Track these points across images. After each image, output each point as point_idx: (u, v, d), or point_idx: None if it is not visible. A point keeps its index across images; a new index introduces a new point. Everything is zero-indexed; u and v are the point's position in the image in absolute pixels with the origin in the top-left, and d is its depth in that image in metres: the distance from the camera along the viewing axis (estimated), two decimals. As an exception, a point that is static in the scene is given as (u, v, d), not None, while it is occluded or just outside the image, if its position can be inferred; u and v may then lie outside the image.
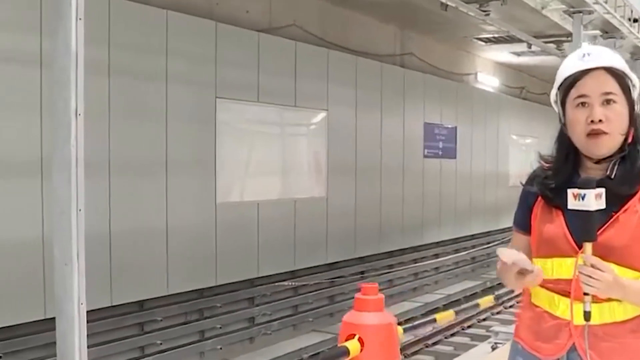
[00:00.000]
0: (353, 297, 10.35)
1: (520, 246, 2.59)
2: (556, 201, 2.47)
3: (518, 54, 18.49)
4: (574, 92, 2.43)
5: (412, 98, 15.25)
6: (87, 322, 8.23)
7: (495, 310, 10.76)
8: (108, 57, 8.63)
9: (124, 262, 8.92)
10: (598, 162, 2.45)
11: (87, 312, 8.06)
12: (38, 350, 7.98)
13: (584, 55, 2.45)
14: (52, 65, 2.97)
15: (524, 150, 22.01)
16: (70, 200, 2.95)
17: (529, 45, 15.18)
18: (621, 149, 2.44)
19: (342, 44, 13.35)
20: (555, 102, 2.53)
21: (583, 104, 2.41)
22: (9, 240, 7.34)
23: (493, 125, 19.61)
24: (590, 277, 2.26)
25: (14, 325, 7.71)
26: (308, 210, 12.17)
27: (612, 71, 2.41)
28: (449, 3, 11.00)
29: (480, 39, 16.91)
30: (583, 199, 2.29)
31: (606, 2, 9.67)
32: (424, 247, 16.01)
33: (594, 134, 2.39)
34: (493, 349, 7.42)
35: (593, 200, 2.27)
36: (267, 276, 11.45)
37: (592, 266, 2.27)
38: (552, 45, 15.22)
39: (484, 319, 11.70)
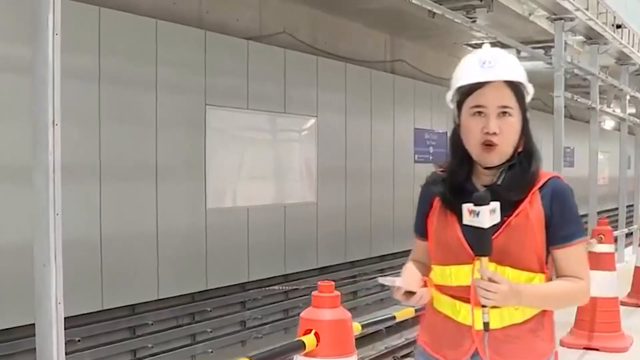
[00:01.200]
0: (345, 301, 10.54)
1: (420, 252, 2.66)
2: (452, 207, 2.48)
3: (508, 60, 18.63)
4: (471, 100, 2.43)
5: (402, 104, 15.42)
6: (80, 325, 8.45)
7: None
8: (99, 65, 8.81)
9: (115, 267, 9.08)
10: (488, 167, 2.46)
11: (79, 315, 8.28)
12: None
13: (483, 62, 2.42)
14: (31, 78, 3.14)
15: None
16: (48, 205, 3.10)
17: (518, 51, 15.34)
18: (512, 157, 2.46)
19: (332, 51, 13.54)
20: (451, 101, 2.53)
21: (479, 112, 2.42)
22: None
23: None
24: (487, 290, 2.30)
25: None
26: (298, 215, 12.34)
27: (510, 83, 2.43)
28: (435, 10, 11.14)
29: (470, 45, 17.07)
30: (478, 215, 2.31)
31: (587, 9, 9.84)
32: (414, 251, 16.13)
33: (486, 145, 2.40)
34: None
35: (487, 217, 2.30)
36: (258, 280, 11.61)
37: (489, 279, 2.31)
38: (540, 51, 15.38)
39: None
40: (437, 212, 2.54)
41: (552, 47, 14.89)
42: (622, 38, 12.04)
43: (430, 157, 16.59)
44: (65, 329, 7.87)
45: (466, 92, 2.44)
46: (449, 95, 2.52)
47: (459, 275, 2.47)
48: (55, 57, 3.12)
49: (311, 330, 2.79)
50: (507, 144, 2.42)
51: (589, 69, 10.98)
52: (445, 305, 2.54)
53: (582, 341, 6.94)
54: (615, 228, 10.99)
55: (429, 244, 2.60)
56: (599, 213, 11.71)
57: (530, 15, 11.99)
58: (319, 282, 2.90)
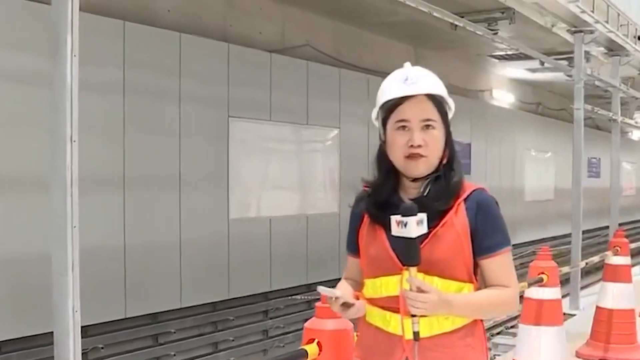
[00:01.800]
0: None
1: (353, 270, 2.73)
2: (379, 220, 2.54)
3: (533, 71, 18.68)
4: (395, 116, 2.51)
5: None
6: (103, 333, 8.62)
7: (495, 331, 10.92)
8: (123, 78, 9.00)
9: (138, 275, 9.24)
10: (414, 180, 2.53)
11: (103, 323, 8.45)
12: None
13: (405, 79, 2.51)
14: (50, 96, 3.29)
15: (541, 165, 22.19)
16: (65, 218, 3.24)
17: (542, 62, 15.37)
18: (436, 169, 2.53)
19: (355, 63, 13.66)
20: (377, 119, 2.60)
21: (404, 127, 2.49)
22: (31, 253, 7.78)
23: (508, 141, 19.82)
24: (415, 300, 2.34)
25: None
26: (320, 226, 12.45)
27: (432, 97, 2.50)
28: (457, 23, 11.23)
29: (494, 56, 17.15)
30: (405, 226, 2.36)
31: (607, 22, 9.89)
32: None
33: (412, 156, 2.48)
34: (492, 359, 7.64)
35: (414, 227, 2.35)
36: (280, 290, 11.72)
37: (418, 289, 2.35)
38: (564, 62, 15.39)
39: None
40: (366, 228, 2.61)
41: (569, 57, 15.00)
42: (644, 49, 12.08)
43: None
44: (88, 336, 8.12)
45: (390, 108, 2.52)
46: (374, 113, 2.60)
47: (388, 285, 2.52)
48: (73, 77, 3.27)
49: (314, 339, 2.90)
50: (432, 155, 2.49)
51: (609, 80, 11.02)
52: (377, 317, 2.58)
53: (598, 352, 6.99)
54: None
55: (360, 260, 2.66)
56: (624, 224, 11.73)
57: (552, 27, 12.04)
58: (322, 293, 3.00)
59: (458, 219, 2.49)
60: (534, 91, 21.88)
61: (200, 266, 10.13)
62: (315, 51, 12.71)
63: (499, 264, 2.53)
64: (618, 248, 7.46)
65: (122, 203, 9.02)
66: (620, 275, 7.31)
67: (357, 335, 2.75)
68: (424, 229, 2.38)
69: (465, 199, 2.52)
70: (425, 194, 2.51)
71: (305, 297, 12.17)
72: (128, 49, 9.06)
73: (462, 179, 2.56)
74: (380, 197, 2.56)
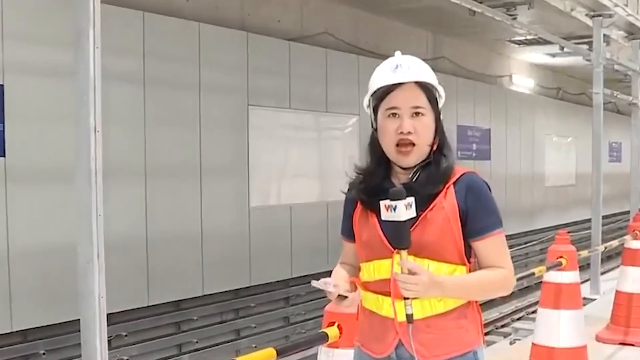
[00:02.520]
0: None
1: (349, 254, 2.78)
2: (371, 205, 2.57)
3: (553, 55, 18.58)
4: (385, 103, 2.54)
5: (445, 101, 15.45)
6: (126, 321, 8.74)
7: (516, 317, 10.94)
8: (143, 68, 9.08)
9: (161, 264, 9.33)
10: (406, 167, 2.57)
11: (126, 311, 8.57)
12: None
13: (396, 66, 2.55)
14: (73, 87, 3.35)
15: (562, 150, 22.12)
16: (91, 207, 3.31)
17: (562, 47, 15.31)
18: (428, 156, 2.56)
19: (374, 50, 13.66)
20: (368, 107, 2.63)
21: (394, 114, 2.52)
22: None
23: (528, 126, 19.76)
24: (406, 282, 2.35)
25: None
26: (340, 213, 12.45)
27: (421, 85, 2.53)
28: (475, 9, 11.21)
29: (513, 41, 17.09)
30: (395, 210, 2.39)
31: (627, 5, 9.85)
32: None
33: (403, 144, 2.51)
34: (511, 343, 7.69)
35: (403, 210, 2.37)
36: (301, 277, 11.79)
37: (409, 271, 2.36)
38: (584, 46, 15.32)
39: (503, 326, 11.94)
40: (359, 212, 2.65)
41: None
42: (664, 33, 12.00)
43: (474, 154, 16.64)
44: (112, 324, 8.21)
45: (380, 95, 2.55)
46: (366, 100, 2.64)
47: (380, 269, 2.55)
48: (96, 68, 3.34)
49: (334, 322, 2.96)
50: (423, 142, 2.51)
51: (628, 64, 10.98)
52: (371, 301, 2.62)
53: (617, 336, 7.02)
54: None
55: (356, 244, 2.69)
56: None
57: (571, 11, 12.00)
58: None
59: (447, 202, 2.51)
60: (554, 76, 21.79)
61: (222, 254, 10.22)
62: (333, 39, 12.74)
63: (492, 246, 2.54)
64: (637, 232, 7.46)
65: (144, 193, 9.12)
66: (639, 259, 7.31)
67: (358, 321, 2.78)
68: (412, 213, 2.40)
69: (454, 183, 2.54)
70: (414, 179, 2.54)
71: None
72: (148, 39, 9.14)
73: (453, 164, 2.57)
74: (372, 183, 2.59)
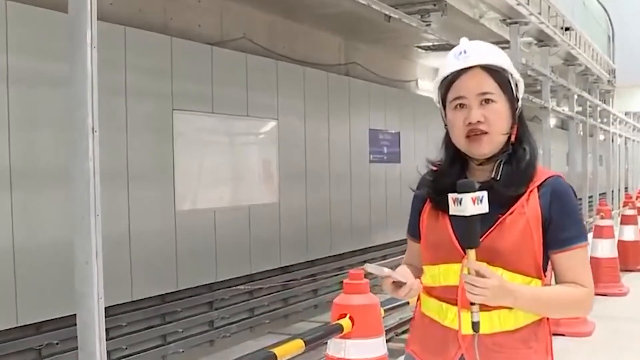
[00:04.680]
0: (306, 299, 10.76)
1: (413, 255, 2.55)
2: (442, 205, 2.33)
3: (457, 61, 19.07)
4: (451, 94, 2.33)
5: (357, 105, 15.77)
6: (57, 329, 8.58)
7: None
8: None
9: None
10: (482, 163, 2.35)
11: (58, 319, 8.42)
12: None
13: (460, 53, 2.32)
14: (70, 88, 3.36)
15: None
16: (89, 207, 3.33)
17: (467, 53, 15.76)
18: (505, 148, 2.33)
19: (290, 55, 13.82)
20: (438, 102, 2.42)
21: (461, 105, 2.31)
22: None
23: (436, 130, 20.19)
24: (474, 285, 2.16)
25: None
26: (261, 216, 12.58)
27: (489, 69, 2.29)
28: (392, 15, 11.49)
29: (421, 47, 17.53)
30: (460, 203, 2.20)
31: (540, 14, 10.30)
32: (372, 248, 16.53)
33: (473, 135, 2.29)
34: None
35: (470, 204, 2.17)
36: (225, 280, 11.82)
37: (477, 273, 2.17)
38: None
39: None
40: (428, 211, 2.44)
41: (502, 48, 15.51)
42: (570, 40, 12.56)
43: (385, 157, 16.95)
44: (43, 332, 8.21)
45: (446, 86, 2.34)
46: (434, 96, 2.43)
47: (447, 274, 2.33)
48: (93, 69, 3.37)
49: (345, 314, 3.05)
50: (496, 131, 2.28)
51: (541, 70, 11.46)
52: (432, 308, 2.41)
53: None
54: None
55: (420, 245, 2.48)
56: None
57: (480, 18, 12.44)
58: (349, 271, 3.16)
59: (529, 207, 2.28)
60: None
61: (150, 259, 10.14)
62: (251, 44, 12.82)
63: (574, 260, 2.30)
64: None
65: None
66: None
67: (411, 326, 2.61)
68: (482, 209, 2.19)
69: (539, 186, 2.31)
70: (497, 177, 2.30)
71: (249, 288, 12.30)
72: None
73: (536, 160, 2.35)
74: (445, 183, 2.34)
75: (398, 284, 2.29)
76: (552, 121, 28.35)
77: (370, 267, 2.27)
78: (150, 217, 10.23)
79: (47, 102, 8.35)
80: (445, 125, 2.40)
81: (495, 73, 2.29)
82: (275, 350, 2.65)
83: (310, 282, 13.96)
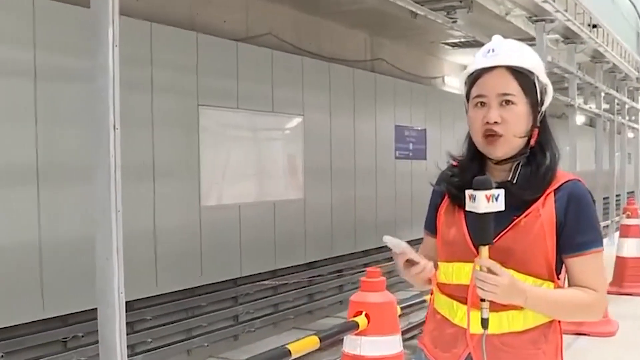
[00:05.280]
0: (331, 295, 10.79)
1: (429, 249, 2.54)
2: (459, 201, 2.35)
3: (485, 58, 19.00)
4: (474, 91, 2.34)
5: (383, 102, 15.76)
6: (84, 321, 8.70)
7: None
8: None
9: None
10: (499, 162, 2.35)
11: (83, 311, 8.54)
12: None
13: (489, 51, 2.34)
14: (91, 85, 3.40)
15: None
16: (110, 203, 3.37)
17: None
18: (523, 150, 2.34)
19: (316, 52, 13.83)
20: (465, 96, 2.44)
21: (482, 103, 2.32)
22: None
23: (462, 127, 20.13)
24: (484, 281, 2.16)
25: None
26: (287, 212, 12.62)
27: (514, 70, 2.29)
28: (418, 12, 11.46)
29: (448, 44, 17.45)
30: (475, 200, 2.18)
31: (566, 11, 10.22)
32: (397, 245, 16.46)
33: (489, 135, 2.30)
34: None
35: (484, 202, 2.16)
36: (249, 276, 11.87)
37: (488, 270, 2.17)
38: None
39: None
40: (445, 207, 2.45)
41: (529, 45, 15.42)
42: (597, 37, 12.45)
43: (410, 154, 16.93)
44: (68, 324, 8.36)
45: (471, 82, 2.36)
46: (462, 90, 2.45)
47: (460, 273, 2.34)
48: (115, 66, 3.40)
49: (362, 312, 3.07)
50: (511, 134, 2.28)
51: (568, 67, 11.38)
52: (444, 305, 2.42)
53: (571, 327, 7.30)
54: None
55: (437, 241, 2.49)
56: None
57: (506, 15, 12.36)
58: (367, 269, 3.18)
59: (545, 211, 2.28)
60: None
61: (175, 254, 10.22)
62: (277, 40, 12.84)
63: (588, 265, 2.29)
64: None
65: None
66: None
67: (425, 321, 2.60)
68: (497, 207, 2.18)
69: (556, 189, 2.31)
70: (513, 180, 2.32)
71: (273, 283, 12.34)
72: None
73: (555, 165, 2.35)
74: (464, 178, 2.36)
75: (411, 262, 2.30)
76: (581, 119, 28.21)
77: (388, 240, 2.26)
78: (176, 212, 10.30)
79: (73, 98, 8.41)
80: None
81: (520, 75, 2.30)
82: (290, 347, 2.68)
83: (336, 278, 13.98)
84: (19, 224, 8.17)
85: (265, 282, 12.19)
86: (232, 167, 11.53)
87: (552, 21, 10.12)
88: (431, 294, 2.53)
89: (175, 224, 10.26)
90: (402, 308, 3.71)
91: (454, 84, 20.32)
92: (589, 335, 7.16)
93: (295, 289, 12.83)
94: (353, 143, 14.68)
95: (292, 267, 12.97)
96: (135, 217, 9.55)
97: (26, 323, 8.32)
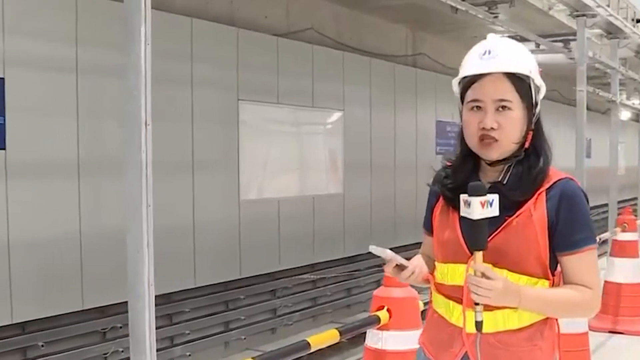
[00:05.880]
0: (369, 290, 10.82)
1: (427, 247, 2.57)
2: (453, 202, 2.36)
3: (527, 53, 18.87)
4: (469, 94, 2.32)
5: (424, 97, 15.74)
6: (120, 313, 8.87)
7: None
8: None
9: (155, 256, 9.39)
10: (493, 164, 2.35)
11: (119, 303, 8.70)
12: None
13: (484, 52, 2.31)
14: (124, 82, 3.48)
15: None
16: (141, 197, 3.45)
17: (537, 45, 15.59)
18: (517, 153, 2.34)
19: (357, 46, 13.85)
20: (458, 94, 2.42)
21: (478, 107, 2.30)
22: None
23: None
24: (478, 286, 2.16)
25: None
26: (326, 206, 12.69)
27: (511, 75, 2.28)
28: (458, 7, 11.42)
29: (490, 39, 17.35)
30: (469, 206, 2.19)
31: (608, 6, 10.12)
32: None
33: (484, 139, 2.29)
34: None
35: (478, 208, 2.17)
36: (288, 269, 11.96)
37: (482, 275, 2.18)
38: (559, 44, 15.61)
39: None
40: (441, 207, 2.46)
41: (571, 40, 15.25)
42: (641, 32, 12.32)
43: (452, 149, 16.84)
44: (109, 315, 8.54)
45: (466, 85, 2.34)
46: (455, 88, 2.43)
47: (454, 274, 2.36)
48: (147, 64, 3.48)
49: (384, 306, 3.12)
50: (507, 139, 2.29)
51: (609, 63, 11.27)
52: (442, 305, 2.44)
53: (607, 325, 7.28)
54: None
55: (433, 241, 2.50)
56: (618, 203, 12.01)
57: (549, 9, 12.27)
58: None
59: (537, 211, 2.29)
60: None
61: (213, 247, 10.34)
62: (318, 35, 12.89)
63: (582, 262, 2.30)
64: (626, 225, 7.73)
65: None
66: (628, 251, 7.59)
67: (425, 319, 2.63)
68: (492, 212, 2.19)
69: (548, 189, 2.32)
70: (504, 181, 2.33)
71: (312, 277, 12.41)
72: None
73: (548, 167, 2.35)
74: (457, 179, 2.39)
75: (401, 267, 2.34)
76: (627, 114, 27.85)
77: (374, 249, 2.30)
78: (215, 206, 10.42)
79: (114, 93, 8.51)
80: (462, 120, 2.41)
81: (517, 80, 2.29)
82: (310, 339, 2.74)
83: (374, 272, 14.00)
84: (61, 217, 8.32)
85: (304, 275, 12.26)
86: (271, 161, 11.63)
87: (593, 16, 10.02)
88: (430, 293, 2.54)
89: (214, 218, 10.38)
90: (424, 304, 3.75)
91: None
92: (623, 333, 7.13)
93: (333, 283, 12.89)
94: (393, 138, 14.69)
95: (330, 261, 13.02)
96: (174, 211, 9.69)
97: (66, 313, 8.48)
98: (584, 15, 9.98)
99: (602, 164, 16.01)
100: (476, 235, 2.21)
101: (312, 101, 12.32)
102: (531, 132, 2.35)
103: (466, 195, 2.21)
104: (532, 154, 2.34)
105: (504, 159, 2.33)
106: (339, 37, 13.48)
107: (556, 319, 2.40)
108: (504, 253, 2.27)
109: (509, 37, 16.53)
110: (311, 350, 2.73)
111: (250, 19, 11.41)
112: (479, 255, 2.21)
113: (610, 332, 7.21)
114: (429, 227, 2.54)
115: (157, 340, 9.58)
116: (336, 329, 2.96)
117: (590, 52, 10.27)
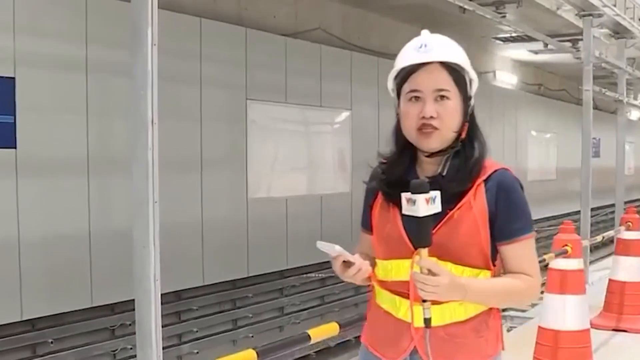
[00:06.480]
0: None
1: (366, 246, 2.56)
2: (393, 198, 2.37)
3: (535, 52, 18.91)
4: (407, 86, 2.34)
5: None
6: (129, 310, 8.95)
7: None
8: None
9: (162, 254, 9.48)
10: (431, 155, 2.37)
11: (128, 301, 8.79)
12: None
13: (420, 46, 2.34)
14: (131, 81, 3.57)
15: (543, 145, 22.46)
16: (147, 194, 3.53)
17: (545, 44, 15.62)
18: (454, 144, 2.36)
19: (364, 46, 13.91)
20: (393, 90, 2.43)
21: (416, 97, 2.33)
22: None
23: (511, 122, 20.10)
24: (425, 283, 2.17)
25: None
26: (334, 205, 12.75)
27: (447, 66, 2.32)
28: (466, 7, 11.45)
29: (498, 39, 17.40)
30: (414, 204, 2.19)
31: (615, 5, 10.14)
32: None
33: (424, 129, 2.31)
34: (508, 330, 7.96)
35: (423, 205, 2.17)
36: (295, 268, 12.03)
37: (429, 271, 2.18)
38: (567, 43, 15.63)
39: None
40: (380, 204, 2.46)
41: (579, 39, 15.27)
42: (649, 32, 12.31)
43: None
44: (116, 313, 8.63)
45: (403, 77, 2.36)
46: (389, 83, 2.44)
47: (399, 269, 2.35)
48: (153, 64, 3.56)
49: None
50: (447, 128, 2.31)
51: (616, 62, 11.29)
52: (386, 300, 2.43)
53: (611, 323, 7.31)
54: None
55: (373, 239, 2.50)
56: (625, 203, 12.03)
57: (557, 9, 12.30)
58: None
59: (476, 202, 2.32)
60: (535, 72, 22.13)
61: (221, 245, 10.42)
62: (326, 34, 12.96)
63: (520, 251, 2.36)
64: (630, 223, 7.77)
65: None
66: (632, 249, 7.62)
67: (366, 317, 2.61)
68: (435, 209, 2.21)
69: (485, 180, 2.34)
70: (443, 173, 2.34)
71: (320, 275, 12.46)
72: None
73: (483, 157, 2.38)
74: (394, 174, 2.41)
75: (347, 264, 2.31)
76: (637, 114, 27.82)
77: (321, 245, 2.30)
78: (223, 204, 10.51)
79: (123, 92, 8.61)
80: (397, 114, 2.43)
81: (453, 70, 2.34)
82: (310, 332, 2.80)
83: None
84: (70, 214, 8.43)
85: (312, 274, 12.32)
86: (279, 160, 11.71)
87: (600, 15, 10.04)
88: (370, 289, 2.54)
89: (222, 216, 10.46)
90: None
91: (505, 79, 20.25)
92: (627, 331, 7.16)
93: (341, 282, 12.89)
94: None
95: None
96: (183, 209, 9.77)
97: (75, 310, 8.58)
98: (590, 14, 9.99)
99: (612, 164, 15.98)
100: (421, 232, 2.23)
101: (320, 100, 12.39)
102: (466, 124, 2.39)
103: (409, 193, 2.21)
104: (468, 145, 2.37)
105: (441, 150, 2.36)
106: (347, 37, 13.54)
107: (498, 309, 2.45)
108: (447, 247, 2.29)
109: (517, 36, 16.61)
110: (311, 342, 2.79)
111: (259, 18, 11.49)
112: (424, 251, 2.22)
113: (613, 330, 7.24)
114: (367, 226, 2.55)
115: (165, 337, 9.73)
116: (336, 322, 3.02)
117: (597, 52, 10.28)
